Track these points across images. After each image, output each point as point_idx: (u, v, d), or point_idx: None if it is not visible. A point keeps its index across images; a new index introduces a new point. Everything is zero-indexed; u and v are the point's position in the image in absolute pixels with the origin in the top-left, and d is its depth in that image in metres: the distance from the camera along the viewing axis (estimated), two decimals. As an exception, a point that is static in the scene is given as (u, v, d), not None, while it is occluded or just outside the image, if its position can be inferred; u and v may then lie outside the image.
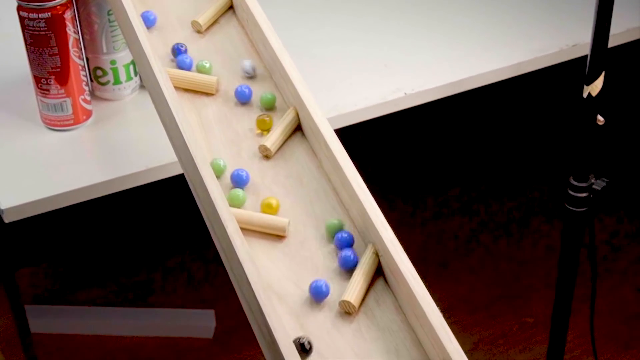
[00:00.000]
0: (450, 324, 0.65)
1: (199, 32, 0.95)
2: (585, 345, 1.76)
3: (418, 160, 2.25)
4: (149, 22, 0.94)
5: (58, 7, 1.08)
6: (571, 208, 1.22)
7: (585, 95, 1.15)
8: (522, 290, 1.92)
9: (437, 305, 0.66)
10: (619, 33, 1.37)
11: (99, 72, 1.20)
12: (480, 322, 1.84)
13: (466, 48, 1.35)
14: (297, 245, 0.74)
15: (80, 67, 1.14)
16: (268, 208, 0.76)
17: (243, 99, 0.86)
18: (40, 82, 1.12)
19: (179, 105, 0.80)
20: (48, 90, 1.13)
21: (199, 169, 0.74)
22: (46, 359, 1.77)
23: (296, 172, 0.80)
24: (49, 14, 1.08)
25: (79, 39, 1.14)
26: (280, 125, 0.83)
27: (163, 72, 0.83)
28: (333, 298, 0.70)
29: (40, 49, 1.10)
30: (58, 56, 1.10)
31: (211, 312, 1.85)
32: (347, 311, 0.69)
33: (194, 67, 0.90)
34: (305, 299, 0.70)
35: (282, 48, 0.87)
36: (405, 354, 0.67)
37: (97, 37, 1.17)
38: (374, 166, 2.17)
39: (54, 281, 1.95)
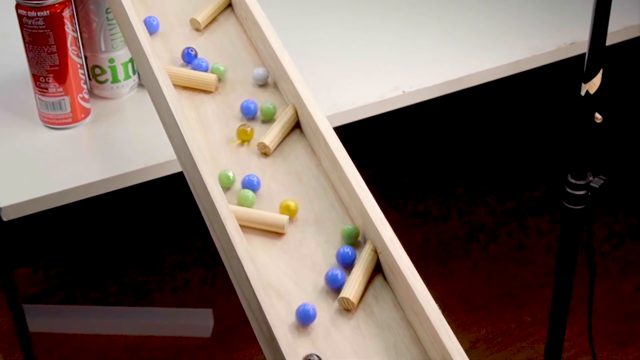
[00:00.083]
0: (448, 322, 0.65)
1: (197, 30, 0.95)
2: (583, 343, 1.76)
3: (417, 159, 2.25)
4: (152, 27, 0.94)
5: (56, 5, 1.08)
6: (569, 206, 1.22)
7: (583, 93, 1.15)
8: (521, 289, 1.92)
9: (436, 303, 0.66)
10: (617, 31, 1.37)
11: (98, 71, 1.20)
12: (478, 321, 1.85)
13: (464, 46, 1.35)
14: (297, 243, 0.75)
15: (78, 66, 1.14)
16: (286, 210, 0.76)
17: (249, 115, 0.86)
18: (39, 81, 1.12)
19: (178, 103, 0.80)
20: (46, 89, 1.13)
21: (198, 166, 0.74)
22: (45, 358, 1.77)
23: (295, 170, 0.81)
24: (48, 12, 1.08)
25: (78, 37, 1.14)
26: (279, 123, 0.83)
27: (162, 69, 0.83)
28: (332, 295, 0.70)
29: (39, 47, 1.10)
30: (56, 54, 1.10)
31: (209, 311, 1.85)
32: (346, 308, 0.69)
33: (209, 70, 0.90)
34: (304, 296, 0.70)
35: (281, 46, 0.87)
36: (404, 351, 0.67)
37: (96, 35, 1.17)
38: (373, 165, 2.17)
39: (52, 280, 1.95)
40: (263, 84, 0.88)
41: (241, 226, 0.72)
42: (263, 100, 0.87)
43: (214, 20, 0.96)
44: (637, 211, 2.10)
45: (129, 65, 1.21)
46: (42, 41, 1.09)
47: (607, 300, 1.87)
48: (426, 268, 1.91)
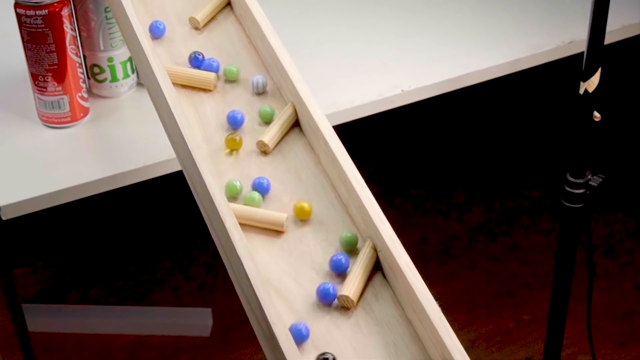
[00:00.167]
0: (448, 321, 0.65)
1: (196, 29, 0.95)
2: (583, 342, 1.76)
3: (416, 158, 2.25)
4: (158, 31, 0.93)
5: (55, 4, 1.08)
6: (568, 204, 1.22)
7: (581, 91, 1.15)
8: (520, 288, 1.92)
9: (435, 302, 0.66)
10: (615, 30, 1.37)
11: (96, 70, 1.20)
12: (477, 320, 1.85)
13: (463, 45, 1.35)
14: (296, 241, 0.75)
15: (77, 65, 1.14)
16: (301, 212, 0.75)
17: (235, 125, 0.84)
18: (38, 80, 1.12)
19: (177, 101, 0.80)
20: (45, 88, 1.13)
21: (197, 164, 0.74)
22: (44, 358, 1.77)
23: (294, 168, 0.81)
24: (46, 11, 1.08)
25: (76, 36, 1.14)
26: (278, 121, 0.83)
27: (161, 68, 0.83)
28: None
29: (38, 46, 1.10)
30: (55, 53, 1.10)
31: (208, 310, 1.85)
32: (345, 306, 0.69)
33: (221, 71, 0.89)
34: (303, 294, 0.70)
35: (281, 44, 0.87)
36: (403, 348, 0.67)
37: (94, 34, 1.17)
38: (372, 164, 2.18)
39: (51, 280, 1.95)
40: (261, 92, 0.87)
41: (240, 224, 0.72)
42: (260, 101, 0.87)
43: (213, 19, 0.97)
44: (636, 210, 2.11)
45: (128, 64, 1.21)
46: (40, 40, 1.09)
47: (606, 299, 1.87)
48: (425, 267, 1.91)
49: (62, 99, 1.14)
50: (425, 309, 0.65)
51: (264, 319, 0.65)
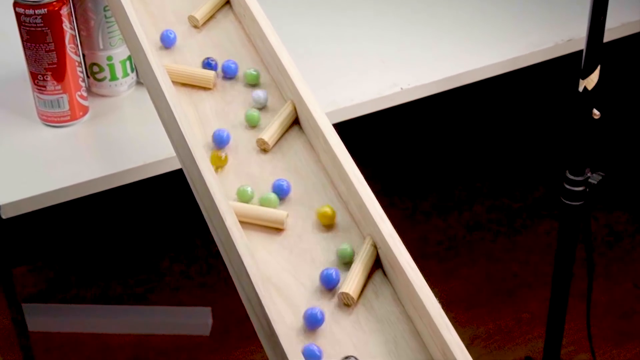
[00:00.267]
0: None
1: (195, 27, 0.95)
2: (582, 340, 1.77)
3: (415, 156, 2.25)
4: (169, 41, 0.92)
5: (54, 3, 1.08)
6: (567, 202, 1.23)
7: (581, 89, 1.15)
8: (519, 286, 1.92)
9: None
10: (615, 27, 1.37)
11: (96, 69, 1.20)
12: (477, 318, 1.85)
13: (462, 43, 1.35)
14: (296, 238, 0.75)
15: (76, 64, 1.14)
16: (323, 217, 0.75)
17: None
18: (37, 79, 1.12)
19: (177, 100, 0.80)
20: (44, 87, 1.13)
21: (197, 162, 0.74)
22: (43, 357, 1.77)
23: (294, 166, 0.81)
24: (45, 10, 1.08)
25: (76, 35, 1.14)
26: (278, 119, 0.83)
27: (161, 66, 0.83)
28: (332, 290, 0.70)
29: (37, 45, 1.10)
30: (54, 52, 1.10)
31: (208, 310, 1.85)
32: (345, 303, 0.69)
33: (240, 73, 0.89)
34: (303, 291, 0.70)
35: (280, 43, 0.87)
36: (404, 345, 0.67)
37: (94, 33, 1.17)
38: (371, 162, 2.17)
39: (51, 279, 1.95)
40: (262, 107, 0.86)
41: (240, 222, 0.72)
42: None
43: (212, 17, 0.97)
44: (636, 208, 2.11)
45: (127, 63, 1.21)
46: (40, 39, 1.09)
47: (605, 297, 1.87)
48: (425, 266, 1.91)
49: (62, 97, 1.14)
50: (425, 306, 0.65)
51: (264, 317, 0.65)
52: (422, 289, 0.66)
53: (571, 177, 1.21)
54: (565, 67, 1.41)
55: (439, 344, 0.64)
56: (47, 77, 1.12)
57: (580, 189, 1.21)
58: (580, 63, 1.15)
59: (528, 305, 1.87)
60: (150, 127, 1.12)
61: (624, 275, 1.95)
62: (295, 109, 0.84)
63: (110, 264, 1.98)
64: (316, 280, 0.71)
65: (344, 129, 1.11)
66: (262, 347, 0.68)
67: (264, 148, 0.82)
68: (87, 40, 1.18)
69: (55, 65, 1.11)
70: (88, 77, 1.21)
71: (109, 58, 1.19)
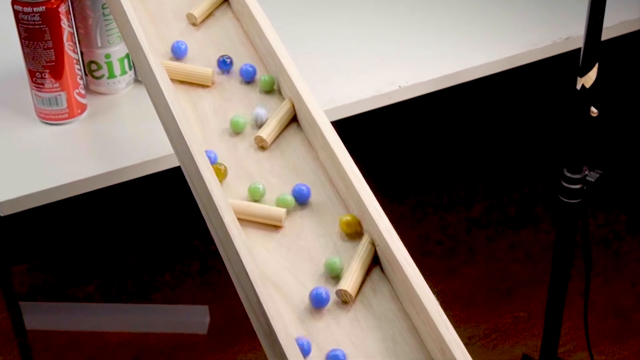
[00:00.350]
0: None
1: (194, 24, 0.95)
2: (579, 338, 1.77)
3: (414, 154, 2.25)
4: (180, 52, 0.91)
5: (52, 1, 1.08)
6: (565, 200, 1.23)
7: (578, 87, 1.15)
8: (517, 285, 1.92)
9: (432, 297, 0.66)
10: (612, 26, 1.37)
11: (94, 66, 1.20)
12: (474, 317, 1.85)
13: (460, 41, 1.35)
14: (294, 236, 0.75)
15: (74, 61, 1.14)
16: (347, 226, 0.74)
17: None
18: (35, 76, 1.12)
19: (175, 97, 0.80)
20: (42, 84, 1.13)
21: (195, 159, 0.74)
22: (41, 356, 1.77)
23: (292, 163, 0.81)
24: (44, 7, 1.08)
25: (74, 33, 1.14)
26: (276, 117, 0.83)
27: (159, 64, 0.83)
28: (330, 287, 0.70)
29: (35, 42, 1.10)
30: (52, 50, 1.10)
31: (205, 308, 1.85)
32: (344, 300, 0.69)
33: (257, 76, 0.88)
34: (302, 288, 0.70)
35: (278, 40, 0.87)
36: (402, 342, 0.67)
37: (92, 31, 1.17)
38: (370, 160, 2.17)
39: (48, 277, 1.94)
40: (262, 124, 0.85)
41: (238, 219, 0.72)
42: (259, 96, 0.87)
43: (210, 15, 0.96)
44: (633, 206, 2.11)
45: (125, 60, 1.21)
46: (38, 37, 1.09)
47: (603, 295, 1.87)
48: (423, 264, 1.91)
49: (60, 95, 1.14)
50: (423, 303, 0.65)
51: (262, 314, 0.65)
52: (419, 285, 0.66)
53: (569, 174, 1.21)
54: (563, 65, 1.41)
55: (438, 341, 0.64)
56: (45, 75, 1.12)
57: (578, 186, 1.21)
58: (578, 61, 1.15)
59: (525, 304, 1.88)
60: (149, 124, 1.12)
61: (622, 273, 1.95)
62: (293, 106, 0.84)
63: (108, 261, 1.98)
64: (315, 278, 0.71)
65: (342, 126, 1.11)
66: (260, 345, 0.68)
67: (262, 145, 0.82)
68: (85, 38, 1.18)
69: (53, 63, 1.11)
70: (86, 74, 1.21)
71: (107, 56, 1.19)
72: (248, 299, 0.68)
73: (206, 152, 0.79)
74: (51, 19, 1.09)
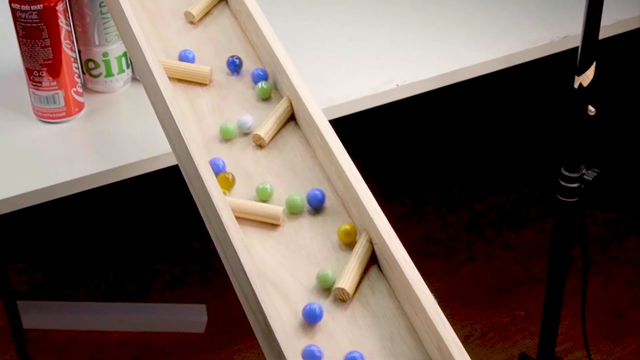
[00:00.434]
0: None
1: (191, 23, 0.95)
2: (577, 337, 1.77)
3: (411, 153, 2.25)
4: (187, 60, 0.90)
5: (50, -1, 1.08)
6: (562, 198, 1.23)
7: (576, 85, 1.15)
8: (514, 284, 1.93)
9: (429, 297, 0.66)
10: (610, 24, 1.37)
11: (91, 65, 1.20)
12: (471, 315, 1.85)
13: (458, 40, 1.35)
14: (292, 234, 0.75)
15: (72, 59, 1.13)
16: (345, 236, 0.73)
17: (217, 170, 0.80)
18: (32, 75, 1.12)
19: (173, 95, 0.80)
20: (40, 83, 1.12)
21: (193, 158, 0.74)
22: (38, 355, 1.77)
23: (290, 162, 0.81)
24: (41, 5, 1.08)
25: (71, 31, 1.14)
26: (274, 115, 0.83)
27: (157, 62, 0.83)
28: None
29: (32, 41, 1.10)
30: (50, 48, 1.10)
31: (203, 307, 1.85)
32: (341, 298, 0.69)
33: (270, 79, 0.88)
34: (300, 287, 0.70)
35: (276, 38, 0.87)
36: (399, 340, 0.67)
37: (89, 29, 1.17)
38: (367, 158, 2.18)
39: (46, 276, 1.94)
40: (248, 132, 0.84)
41: (236, 217, 0.72)
42: (257, 95, 0.87)
43: (208, 13, 0.96)
44: (631, 205, 2.11)
45: (123, 59, 1.21)
46: (35, 35, 1.09)
47: (600, 294, 1.88)
48: (421, 263, 1.91)
49: (57, 94, 1.13)
50: (420, 301, 0.65)
51: (260, 313, 0.65)
52: (417, 284, 0.66)
53: (566, 173, 1.21)
54: (560, 64, 1.41)
55: (435, 340, 0.64)
56: (42, 73, 1.12)
57: (575, 185, 1.21)
58: (576, 60, 1.15)
59: (523, 303, 1.88)
60: (146, 123, 1.12)
61: (620, 272, 1.95)
62: (291, 104, 0.84)
63: (106, 260, 1.98)
64: (313, 276, 0.71)
65: (340, 125, 1.11)
66: (258, 344, 0.68)
67: (259, 144, 0.82)
68: (82, 36, 1.18)
69: (50, 62, 1.11)
70: (84, 73, 1.21)
71: (105, 54, 1.19)
72: (246, 298, 0.68)
73: (214, 159, 0.79)
74: (49, 17, 1.09)
